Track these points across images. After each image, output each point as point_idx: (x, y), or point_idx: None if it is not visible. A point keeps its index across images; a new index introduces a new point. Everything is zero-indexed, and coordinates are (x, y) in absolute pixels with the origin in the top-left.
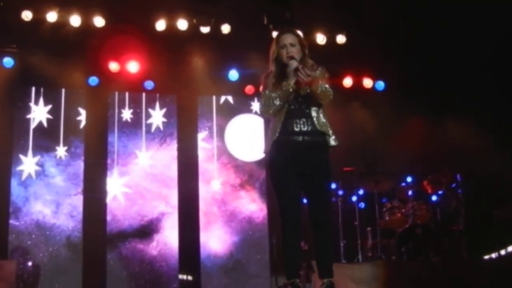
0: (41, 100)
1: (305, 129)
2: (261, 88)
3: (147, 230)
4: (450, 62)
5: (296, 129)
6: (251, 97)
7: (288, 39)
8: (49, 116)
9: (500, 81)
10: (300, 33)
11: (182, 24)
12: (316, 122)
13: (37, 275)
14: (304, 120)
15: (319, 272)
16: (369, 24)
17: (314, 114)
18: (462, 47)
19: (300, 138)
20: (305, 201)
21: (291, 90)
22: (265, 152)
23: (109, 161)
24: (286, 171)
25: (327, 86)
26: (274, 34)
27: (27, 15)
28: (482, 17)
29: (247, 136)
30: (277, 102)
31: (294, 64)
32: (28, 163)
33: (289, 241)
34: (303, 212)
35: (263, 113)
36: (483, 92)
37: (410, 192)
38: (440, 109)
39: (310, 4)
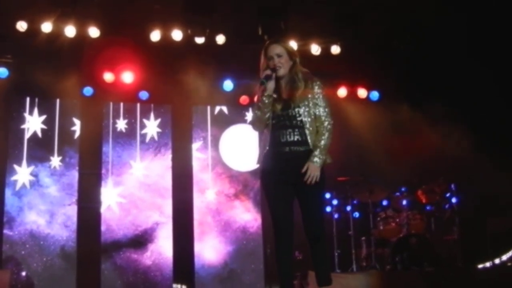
0: (36, 110)
1: (291, 139)
2: (255, 99)
3: (141, 239)
4: (445, 72)
5: (283, 140)
6: (245, 107)
7: (275, 49)
8: (44, 126)
9: (497, 90)
10: (288, 42)
11: (177, 35)
12: (305, 131)
13: (31, 285)
14: (290, 130)
15: (318, 280)
16: (363, 34)
17: (303, 123)
18: (456, 57)
19: (287, 148)
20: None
21: (266, 101)
22: (258, 163)
23: (103, 171)
24: (276, 183)
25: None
26: None
27: (22, 26)
28: (477, 26)
29: (241, 146)
30: (259, 113)
31: (264, 74)
32: (22, 173)
33: (281, 252)
34: (298, 222)
35: (252, 127)
36: (478, 102)
37: (404, 202)
38: (434, 119)
39: (304, 15)
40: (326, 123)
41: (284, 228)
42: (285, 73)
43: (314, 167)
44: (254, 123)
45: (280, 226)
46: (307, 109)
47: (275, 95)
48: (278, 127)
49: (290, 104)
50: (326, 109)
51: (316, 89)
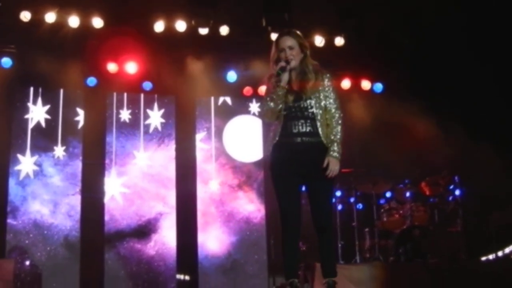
0: (39, 100)
1: (304, 130)
2: (264, 90)
3: (145, 230)
4: (449, 65)
5: (295, 131)
6: (249, 99)
7: (287, 42)
8: (47, 116)
9: (500, 84)
10: (299, 34)
11: (181, 26)
12: (316, 123)
13: (37, 274)
14: (302, 121)
15: (323, 272)
16: (367, 26)
17: (314, 115)
18: (460, 49)
19: (299, 139)
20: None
21: (280, 92)
22: (265, 154)
23: (107, 161)
24: (286, 173)
25: (336, 121)
26: (273, 36)
27: (25, 16)
28: (482, 19)
29: (245, 137)
30: (271, 104)
31: (279, 65)
32: (26, 163)
33: (288, 242)
34: (303, 213)
35: (263, 118)
36: (482, 95)
37: (408, 194)
38: (438, 111)
39: (308, 6)
40: (337, 116)
41: (292, 220)
42: (296, 65)
43: (334, 162)
44: (266, 114)
45: (288, 217)
46: (318, 101)
47: (287, 87)
48: (289, 118)
49: (301, 95)
50: (336, 101)
51: (326, 82)
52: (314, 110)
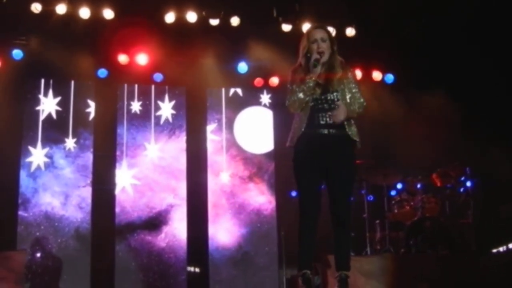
0: (50, 92)
1: (330, 122)
2: (288, 82)
3: (156, 222)
4: (460, 55)
5: (322, 122)
6: (260, 90)
7: (319, 34)
8: (58, 108)
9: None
10: (330, 29)
11: (191, 17)
12: None
13: (58, 269)
14: (330, 113)
15: (336, 264)
16: (378, 16)
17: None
18: (472, 39)
19: (326, 131)
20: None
21: (311, 84)
22: (289, 145)
23: (118, 153)
24: (310, 165)
25: (359, 106)
26: (284, 26)
27: (36, 7)
28: (496, 9)
29: (256, 128)
30: (301, 95)
31: (313, 57)
32: (37, 155)
33: (304, 233)
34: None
35: (289, 108)
36: (494, 85)
37: (419, 185)
38: (450, 103)
39: None
40: (361, 100)
41: (312, 211)
42: (326, 59)
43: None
44: (293, 105)
45: (309, 208)
46: (343, 94)
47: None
48: (316, 110)
49: (328, 88)
50: (360, 92)
51: (351, 77)
52: (340, 103)
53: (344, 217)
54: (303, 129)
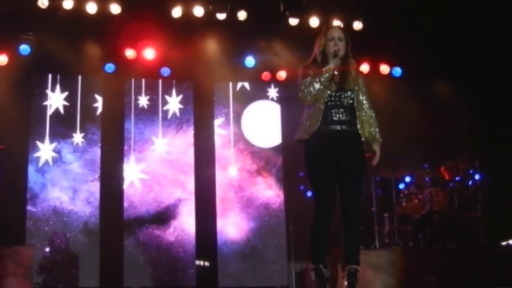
0: (58, 87)
1: (344, 118)
2: (299, 78)
3: (164, 216)
4: (469, 48)
5: (335, 118)
6: (267, 84)
7: (337, 33)
8: (66, 103)
9: None
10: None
11: (198, 11)
12: (355, 114)
13: (74, 263)
14: (342, 110)
15: (346, 258)
16: (385, 10)
17: (353, 106)
18: (480, 32)
19: (339, 127)
20: None
21: (328, 75)
22: (299, 139)
23: (125, 147)
24: (324, 161)
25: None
26: (291, 20)
27: (43, 3)
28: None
29: (263, 122)
30: (317, 86)
31: (333, 49)
32: (45, 150)
33: (319, 228)
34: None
35: (302, 99)
36: (502, 79)
37: (427, 178)
38: (458, 96)
39: None
40: (374, 116)
41: (328, 206)
42: (342, 55)
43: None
44: (306, 96)
45: (323, 202)
46: (356, 94)
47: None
48: (330, 106)
49: (343, 86)
50: (369, 100)
51: (361, 80)
52: (353, 101)
53: (355, 212)
54: (319, 124)
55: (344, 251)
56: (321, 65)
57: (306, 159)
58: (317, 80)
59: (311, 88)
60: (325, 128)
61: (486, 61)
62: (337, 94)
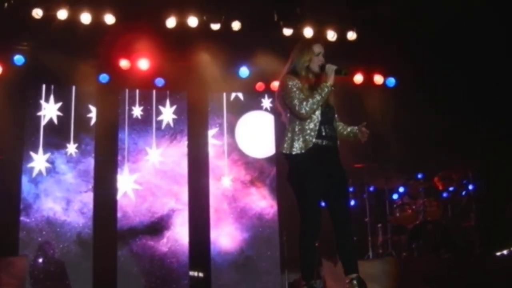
0: (52, 98)
1: (331, 134)
2: (286, 88)
3: (158, 226)
4: (462, 58)
5: (326, 134)
6: (261, 94)
7: (321, 48)
8: (60, 113)
9: None
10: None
11: (192, 21)
12: (334, 127)
13: (60, 274)
14: (331, 126)
15: (345, 268)
16: (380, 20)
17: (335, 121)
18: (473, 43)
19: (330, 143)
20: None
21: (328, 89)
22: (292, 153)
23: (119, 158)
24: (317, 176)
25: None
26: (285, 31)
27: (37, 13)
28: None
29: (257, 132)
30: (319, 98)
31: (332, 66)
32: (38, 160)
33: (309, 243)
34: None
35: (304, 113)
36: (495, 88)
37: (421, 189)
38: (451, 106)
39: (320, 0)
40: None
41: (316, 220)
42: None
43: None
44: (311, 109)
45: (312, 217)
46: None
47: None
48: (322, 121)
49: (328, 102)
50: None
51: None
52: (333, 116)
53: (348, 221)
54: (314, 140)
55: (343, 261)
56: (306, 78)
57: (300, 172)
58: (318, 94)
59: (314, 101)
60: (320, 142)
61: (479, 71)
62: (326, 109)
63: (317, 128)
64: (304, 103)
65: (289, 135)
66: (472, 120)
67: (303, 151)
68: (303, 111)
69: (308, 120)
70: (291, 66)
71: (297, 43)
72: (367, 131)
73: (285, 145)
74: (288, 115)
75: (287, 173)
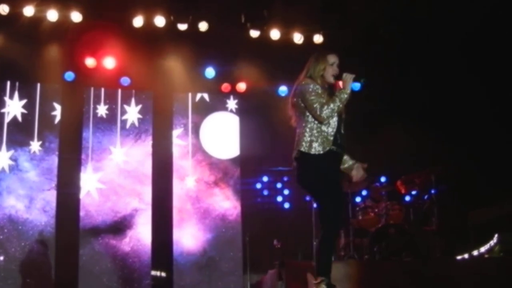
0: (16, 95)
1: (342, 143)
2: (303, 90)
3: (120, 226)
4: (428, 62)
5: (340, 143)
6: (227, 95)
7: (336, 58)
8: (24, 111)
9: (483, 84)
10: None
11: (160, 21)
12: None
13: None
14: (342, 134)
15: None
16: (346, 24)
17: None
18: (445, 47)
19: (341, 151)
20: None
21: (346, 96)
22: (310, 152)
23: (83, 156)
24: (338, 180)
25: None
26: (252, 32)
27: (3, 9)
28: (467, 16)
29: (222, 133)
30: (340, 105)
31: (350, 75)
32: (1, 158)
33: (333, 241)
34: (280, 213)
35: (324, 117)
36: (459, 94)
37: (383, 192)
38: (416, 110)
39: (287, 3)
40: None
41: (342, 211)
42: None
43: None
44: (332, 113)
45: (339, 217)
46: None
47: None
48: (338, 129)
49: (340, 112)
50: None
51: None
52: (341, 126)
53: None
54: (333, 146)
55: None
56: (322, 86)
57: (322, 167)
58: (338, 100)
59: (334, 106)
60: (336, 149)
61: (442, 78)
62: (340, 118)
63: (333, 134)
64: (325, 107)
65: (307, 135)
66: (436, 125)
67: (321, 152)
68: (323, 114)
69: (327, 125)
70: (307, 74)
71: (313, 53)
72: (365, 174)
73: (304, 144)
74: (305, 117)
75: (298, 174)
